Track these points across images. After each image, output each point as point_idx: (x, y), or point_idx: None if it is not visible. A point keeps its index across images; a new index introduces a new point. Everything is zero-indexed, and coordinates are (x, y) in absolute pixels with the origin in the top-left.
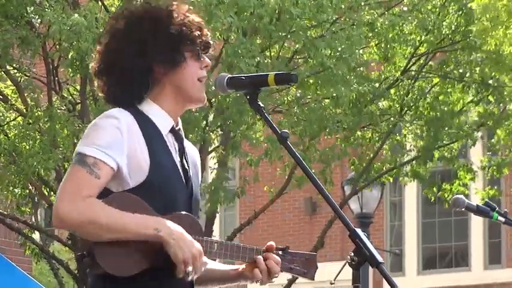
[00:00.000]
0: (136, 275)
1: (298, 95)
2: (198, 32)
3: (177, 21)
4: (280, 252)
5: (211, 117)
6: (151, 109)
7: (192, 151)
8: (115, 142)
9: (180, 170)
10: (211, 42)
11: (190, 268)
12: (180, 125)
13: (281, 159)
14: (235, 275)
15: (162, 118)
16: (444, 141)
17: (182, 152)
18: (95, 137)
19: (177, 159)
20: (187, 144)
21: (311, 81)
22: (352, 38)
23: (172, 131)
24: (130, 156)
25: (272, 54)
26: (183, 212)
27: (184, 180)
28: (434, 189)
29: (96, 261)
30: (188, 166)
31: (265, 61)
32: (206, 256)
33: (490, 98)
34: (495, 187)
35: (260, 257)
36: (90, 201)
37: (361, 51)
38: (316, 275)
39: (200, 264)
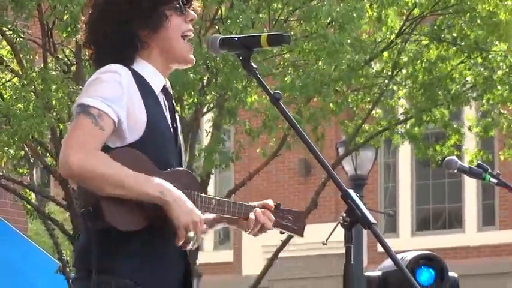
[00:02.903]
0: (141, 230)
1: (294, 58)
2: None
3: None
4: (272, 209)
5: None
6: (144, 68)
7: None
8: (117, 96)
9: (171, 129)
10: None
11: (191, 234)
12: (168, 84)
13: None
14: (231, 220)
15: (154, 77)
16: (439, 103)
17: (172, 111)
18: (98, 89)
19: (168, 118)
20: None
21: (307, 49)
22: (353, 9)
23: (163, 89)
24: (129, 113)
25: (267, 16)
26: (183, 169)
27: (174, 139)
28: (428, 150)
29: (102, 215)
30: (177, 125)
31: (259, 23)
32: (204, 212)
33: (479, 59)
34: (488, 150)
35: (259, 210)
36: (99, 154)
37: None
38: (309, 235)
39: (200, 231)
